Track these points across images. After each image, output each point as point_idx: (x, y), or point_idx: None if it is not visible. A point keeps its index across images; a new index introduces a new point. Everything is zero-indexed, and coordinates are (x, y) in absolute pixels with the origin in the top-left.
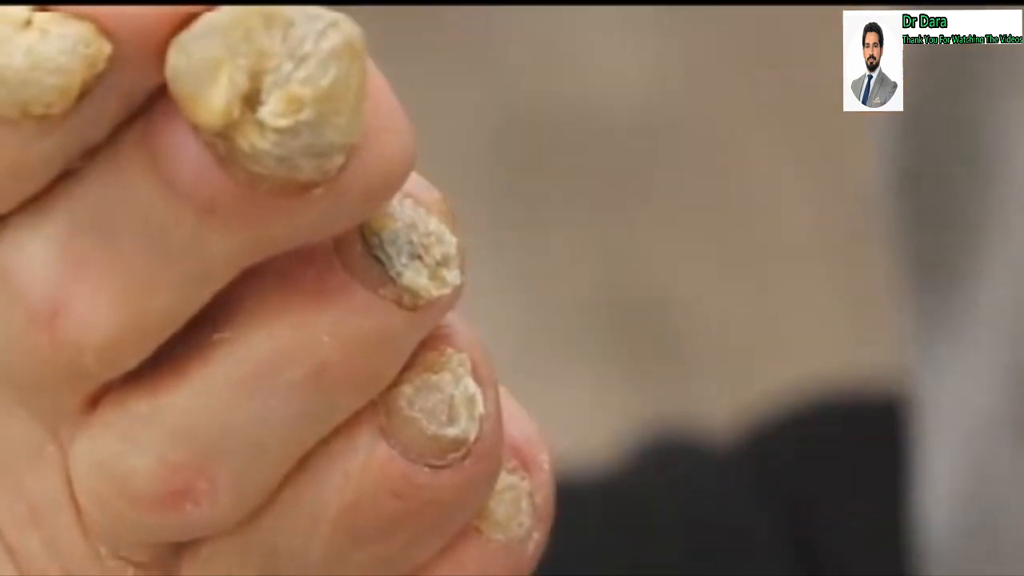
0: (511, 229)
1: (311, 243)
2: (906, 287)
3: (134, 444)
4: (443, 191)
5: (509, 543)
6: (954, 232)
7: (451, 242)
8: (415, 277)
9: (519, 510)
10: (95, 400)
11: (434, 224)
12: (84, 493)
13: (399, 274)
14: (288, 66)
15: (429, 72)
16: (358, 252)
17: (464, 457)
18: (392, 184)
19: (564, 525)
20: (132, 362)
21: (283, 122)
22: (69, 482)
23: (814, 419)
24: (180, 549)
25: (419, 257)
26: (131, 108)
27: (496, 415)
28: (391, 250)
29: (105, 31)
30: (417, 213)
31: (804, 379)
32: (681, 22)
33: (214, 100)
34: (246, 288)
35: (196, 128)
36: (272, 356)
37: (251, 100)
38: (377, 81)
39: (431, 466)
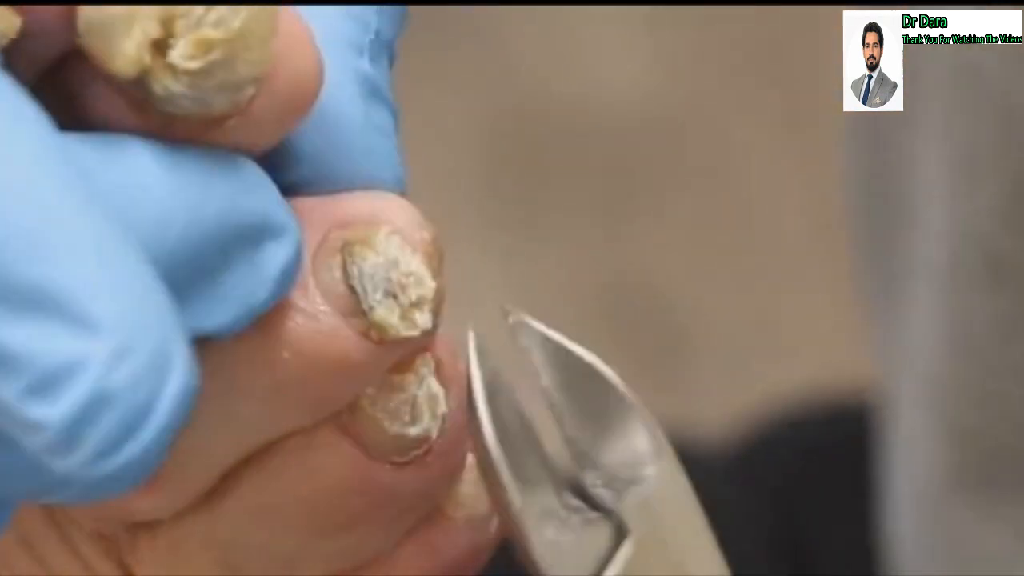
0: (506, 228)
1: None
2: (870, 327)
3: None
4: (437, 193)
5: (472, 521)
6: (891, 281)
7: (429, 286)
8: (386, 315)
9: (482, 488)
10: None
11: (416, 265)
12: None
13: (371, 308)
14: (199, 10)
15: (426, 70)
16: (335, 278)
17: (426, 454)
18: (303, 104)
19: None
20: None
21: (194, 64)
22: None
23: (810, 423)
24: (137, 530)
25: (394, 296)
26: (43, 69)
27: (459, 412)
28: (368, 284)
29: (15, 4)
30: (402, 252)
31: (804, 382)
32: (679, 21)
33: (126, 49)
34: None
35: (110, 78)
36: (228, 358)
37: (161, 45)
38: (281, 7)
39: (393, 463)
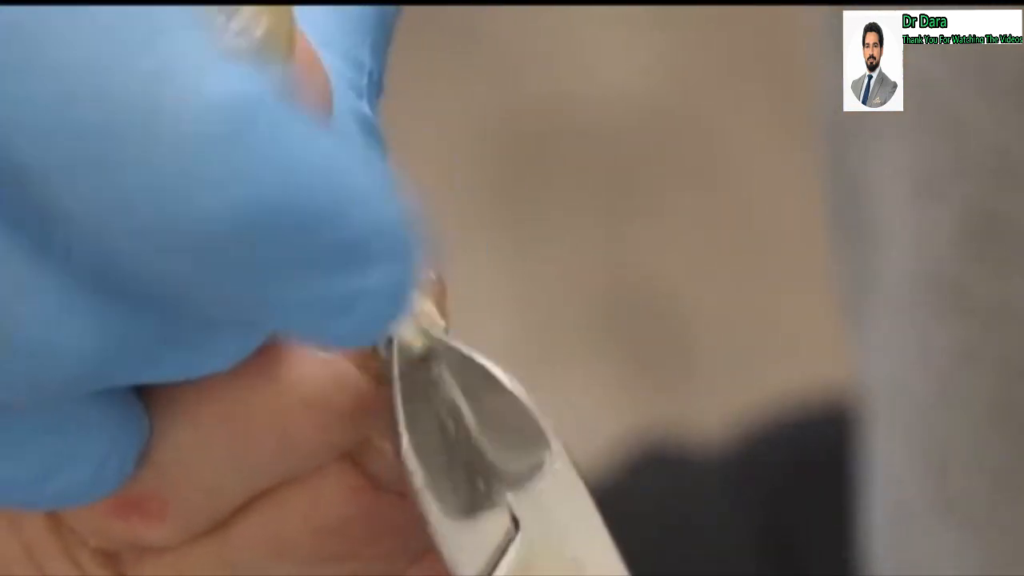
0: (508, 228)
1: None
2: (851, 348)
3: None
4: (438, 192)
5: None
6: (862, 303)
7: (440, 325)
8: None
9: None
10: None
11: (428, 305)
12: None
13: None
14: (221, 19)
15: (427, 71)
16: None
17: None
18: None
19: None
20: None
21: None
22: None
23: (803, 425)
24: (142, 554)
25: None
26: None
27: None
28: None
29: None
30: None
31: (804, 382)
32: (680, 21)
33: None
34: None
35: None
36: (239, 409)
37: None
38: (296, 28)
39: (399, 493)
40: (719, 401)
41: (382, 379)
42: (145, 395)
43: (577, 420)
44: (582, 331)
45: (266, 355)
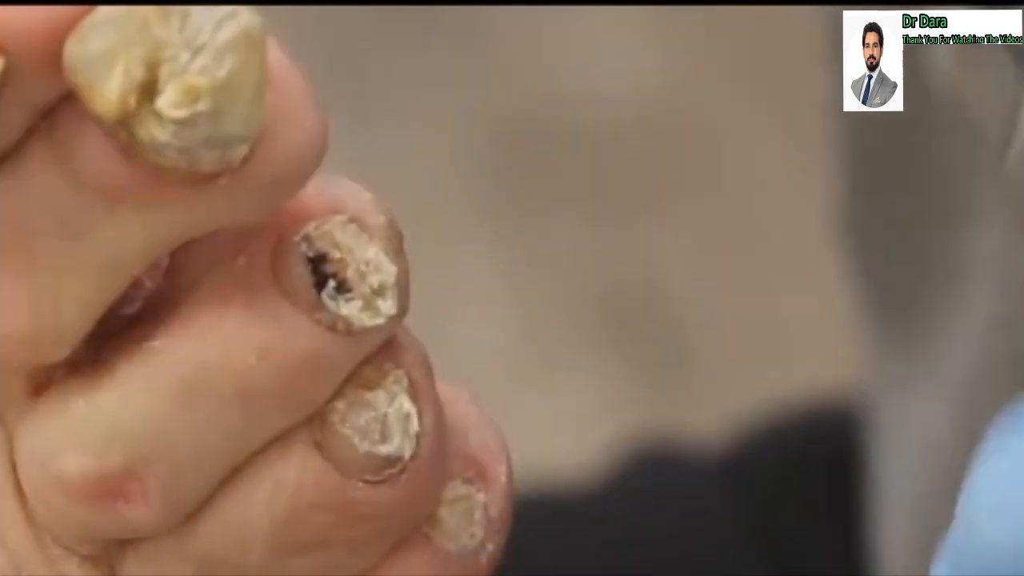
0: (507, 229)
1: (248, 259)
2: (865, 319)
3: (70, 439)
4: (439, 193)
5: (460, 552)
6: (907, 279)
7: (390, 271)
8: (349, 307)
9: (472, 521)
10: (40, 388)
11: (373, 252)
12: (24, 479)
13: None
14: (185, 56)
15: (427, 71)
16: (296, 274)
17: (401, 472)
18: (300, 175)
19: (549, 537)
20: (57, 352)
21: (180, 112)
22: (14, 469)
23: (806, 427)
24: (124, 545)
25: (350, 288)
26: (37, 114)
27: (434, 433)
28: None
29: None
30: (358, 240)
31: (805, 385)
32: (681, 21)
33: (110, 90)
34: (182, 301)
35: (95, 119)
36: (199, 370)
37: (149, 91)
38: (286, 71)
39: (367, 481)
40: (718, 402)
41: (335, 330)
42: (106, 367)
43: (577, 420)
44: (581, 332)
45: (215, 312)
